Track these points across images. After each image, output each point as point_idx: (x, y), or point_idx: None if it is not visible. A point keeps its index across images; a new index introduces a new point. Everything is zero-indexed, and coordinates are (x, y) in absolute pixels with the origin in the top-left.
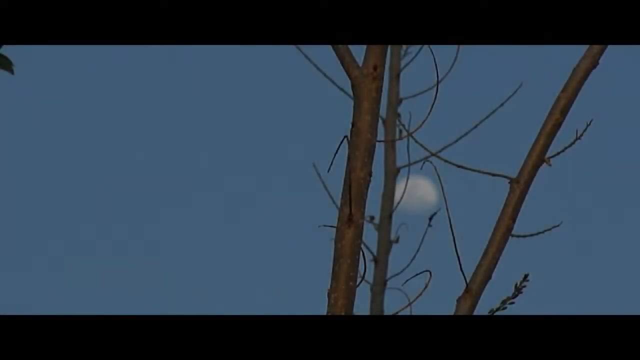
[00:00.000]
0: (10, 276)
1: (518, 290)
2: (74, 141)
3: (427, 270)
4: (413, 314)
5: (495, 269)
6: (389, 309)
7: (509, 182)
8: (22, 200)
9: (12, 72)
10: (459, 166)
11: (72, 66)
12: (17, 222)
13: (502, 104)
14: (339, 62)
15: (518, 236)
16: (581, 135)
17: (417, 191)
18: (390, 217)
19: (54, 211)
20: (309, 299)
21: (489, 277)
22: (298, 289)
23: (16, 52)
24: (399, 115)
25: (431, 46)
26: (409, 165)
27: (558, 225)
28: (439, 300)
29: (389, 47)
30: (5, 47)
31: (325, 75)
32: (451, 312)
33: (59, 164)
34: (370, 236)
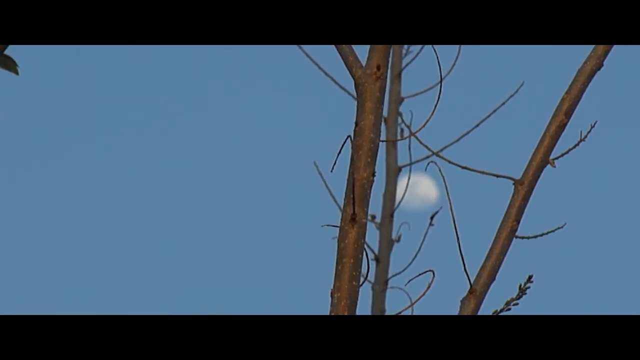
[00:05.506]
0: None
1: (522, 292)
2: (76, 140)
3: (430, 270)
4: (415, 314)
5: (499, 270)
6: (390, 308)
7: (513, 183)
8: (20, 198)
9: (17, 72)
10: (463, 167)
11: (74, 66)
12: (15, 218)
13: (503, 103)
14: (342, 62)
15: (522, 237)
16: (585, 136)
17: (418, 190)
18: (391, 215)
19: (54, 210)
20: (312, 298)
21: (493, 278)
22: (301, 288)
23: (20, 53)
24: (400, 114)
25: (434, 46)
26: (410, 164)
27: (562, 227)
28: (439, 299)
29: (392, 46)
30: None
31: (328, 75)
32: (454, 313)
33: (61, 163)
34: (371, 235)
